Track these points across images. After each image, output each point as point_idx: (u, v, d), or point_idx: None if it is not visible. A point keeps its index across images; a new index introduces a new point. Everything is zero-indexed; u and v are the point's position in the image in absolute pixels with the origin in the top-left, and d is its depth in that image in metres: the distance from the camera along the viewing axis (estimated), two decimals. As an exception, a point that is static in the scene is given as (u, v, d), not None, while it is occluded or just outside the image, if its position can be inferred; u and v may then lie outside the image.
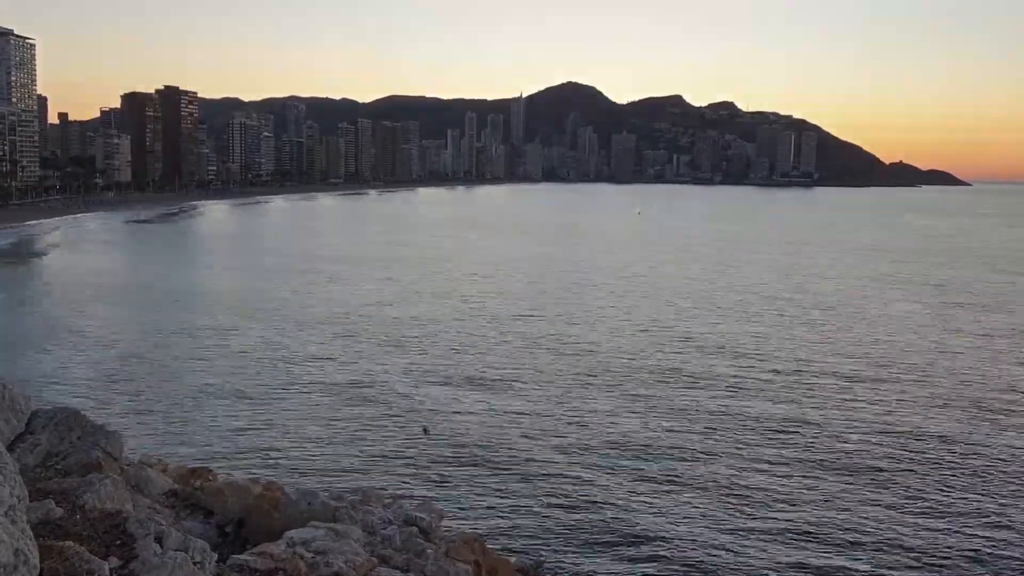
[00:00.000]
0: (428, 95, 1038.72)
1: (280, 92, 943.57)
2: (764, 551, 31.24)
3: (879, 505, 35.64)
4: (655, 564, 30.26)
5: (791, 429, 45.83)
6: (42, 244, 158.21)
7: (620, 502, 35.53)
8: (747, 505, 35.44)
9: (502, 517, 34.01)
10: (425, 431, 43.85)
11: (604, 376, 57.52)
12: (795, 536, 32.57)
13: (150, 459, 10.53)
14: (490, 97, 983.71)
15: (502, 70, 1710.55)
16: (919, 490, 37.37)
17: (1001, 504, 35.86)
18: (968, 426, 46.77)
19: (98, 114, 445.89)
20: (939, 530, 33.29)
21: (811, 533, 32.83)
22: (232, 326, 74.94)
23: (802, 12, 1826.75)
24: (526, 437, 44.12)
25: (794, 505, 35.50)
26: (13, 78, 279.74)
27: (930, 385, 55.92)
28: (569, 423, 46.68)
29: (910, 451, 42.52)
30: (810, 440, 44.08)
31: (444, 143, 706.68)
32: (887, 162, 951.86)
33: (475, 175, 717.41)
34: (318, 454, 41.32)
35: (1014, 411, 49.87)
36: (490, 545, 9.66)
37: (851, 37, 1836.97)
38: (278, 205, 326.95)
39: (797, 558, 30.80)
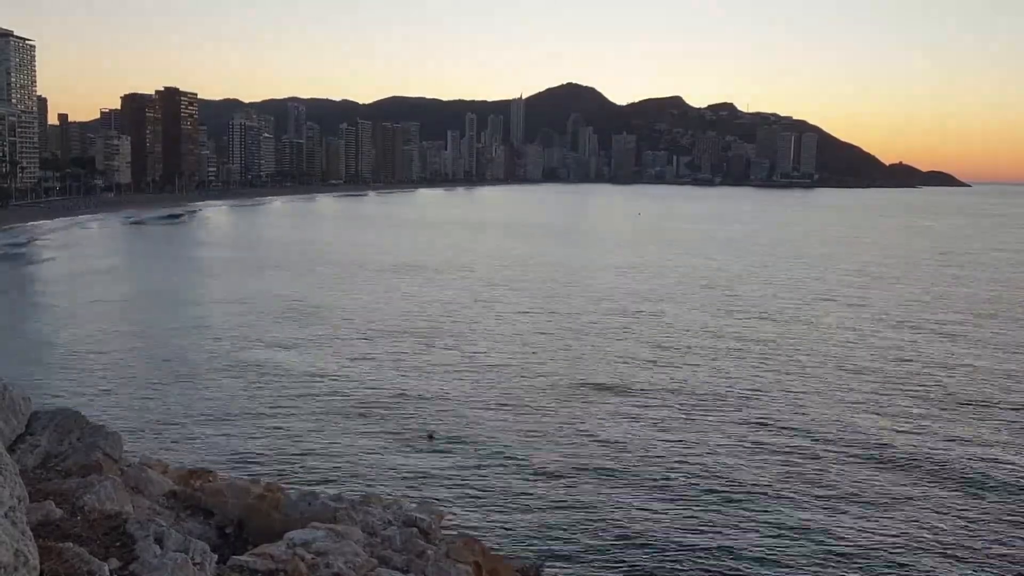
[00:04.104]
0: (428, 96, 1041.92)
1: (280, 93, 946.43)
2: (767, 553, 31.24)
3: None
4: (656, 565, 30.26)
5: (786, 423, 45.87)
6: (42, 245, 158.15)
7: (622, 503, 35.54)
8: (751, 507, 35.43)
9: (503, 518, 34.01)
10: (431, 437, 43.72)
11: (613, 380, 57.52)
12: (800, 539, 32.58)
13: (150, 460, 10.52)
14: (490, 98, 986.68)
15: (502, 70, 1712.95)
16: None
17: None
18: None
19: (98, 115, 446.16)
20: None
21: (820, 543, 32.84)
22: (233, 327, 74.89)
23: (802, 12, 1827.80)
24: (529, 440, 44.11)
25: (802, 509, 35.50)
26: (13, 79, 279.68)
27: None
28: (573, 426, 46.69)
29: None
30: (784, 421, 44.11)
31: (444, 144, 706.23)
32: (887, 163, 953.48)
33: (475, 176, 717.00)
34: (320, 457, 41.29)
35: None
36: (490, 546, 9.64)
37: (851, 37, 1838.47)
38: (277, 207, 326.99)
39: (801, 563, 30.80)
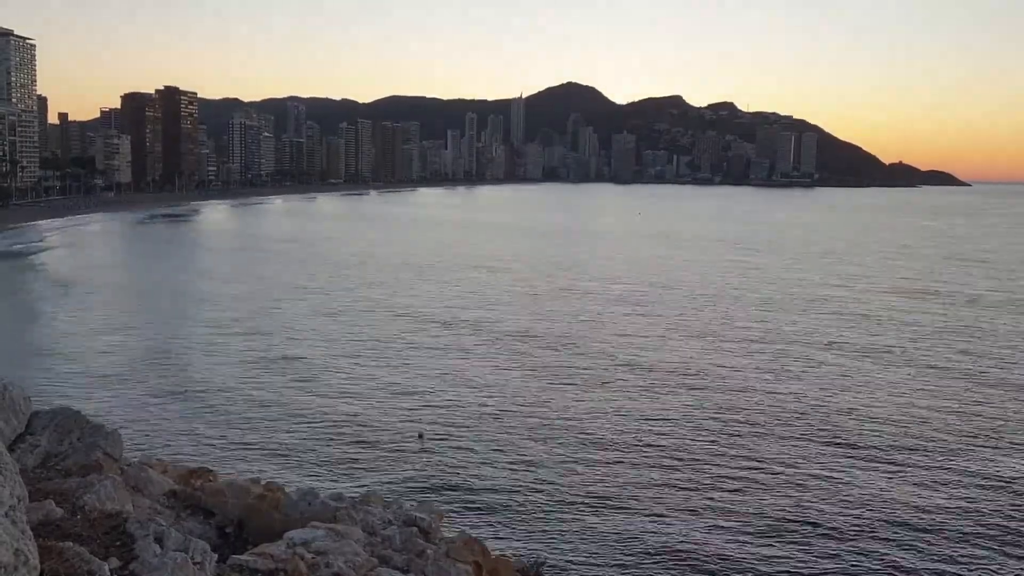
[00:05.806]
0: (428, 95, 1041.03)
1: (280, 92, 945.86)
2: (768, 552, 31.24)
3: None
4: (656, 564, 30.26)
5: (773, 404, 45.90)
6: (43, 245, 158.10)
7: (622, 502, 35.54)
8: (753, 504, 35.43)
9: (502, 518, 34.02)
10: (421, 436, 43.87)
11: (612, 377, 57.50)
12: (804, 537, 32.59)
13: (150, 459, 10.51)
14: (490, 97, 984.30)
15: (502, 70, 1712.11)
16: None
17: None
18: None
19: (98, 114, 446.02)
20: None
21: (816, 525, 32.84)
22: (233, 327, 74.92)
23: (802, 12, 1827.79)
24: (524, 440, 44.12)
25: (801, 507, 35.51)
26: (13, 78, 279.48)
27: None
28: (569, 424, 46.68)
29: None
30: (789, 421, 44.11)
31: (444, 143, 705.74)
32: (887, 162, 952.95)
33: (475, 176, 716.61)
34: (317, 456, 41.33)
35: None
36: (490, 545, 9.63)
37: (851, 37, 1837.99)
38: (279, 206, 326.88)
39: (799, 558, 30.81)
